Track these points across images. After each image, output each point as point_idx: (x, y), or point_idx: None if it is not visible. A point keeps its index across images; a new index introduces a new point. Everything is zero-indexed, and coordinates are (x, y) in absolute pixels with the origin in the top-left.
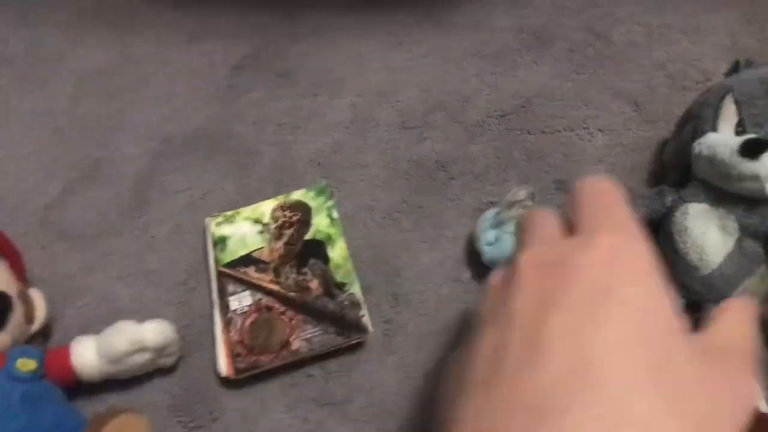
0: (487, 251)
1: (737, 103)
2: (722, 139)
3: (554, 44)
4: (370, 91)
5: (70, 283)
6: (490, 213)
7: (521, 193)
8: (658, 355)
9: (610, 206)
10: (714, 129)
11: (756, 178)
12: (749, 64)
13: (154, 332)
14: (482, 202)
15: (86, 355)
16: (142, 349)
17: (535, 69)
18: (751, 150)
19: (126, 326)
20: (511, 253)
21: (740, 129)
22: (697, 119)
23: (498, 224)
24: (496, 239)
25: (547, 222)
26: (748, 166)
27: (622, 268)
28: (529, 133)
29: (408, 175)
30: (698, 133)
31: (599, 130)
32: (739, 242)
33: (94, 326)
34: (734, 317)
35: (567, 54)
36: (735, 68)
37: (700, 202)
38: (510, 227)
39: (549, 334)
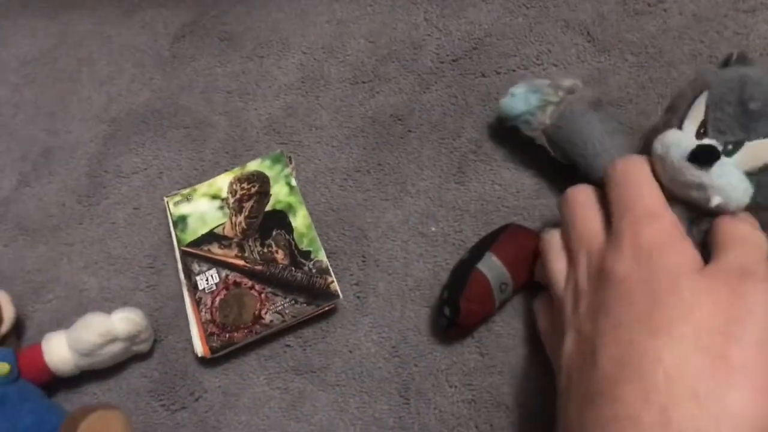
0: (506, 102)
1: (708, 104)
2: (679, 140)
3: None
4: (318, 47)
5: (36, 277)
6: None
7: (567, 82)
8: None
9: (637, 194)
10: (680, 126)
11: (701, 187)
12: (742, 59)
13: (123, 321)
14: (441, 153)
15: (58, 351)
16: (114, 340)
17: (484, 7)
18: (700, 158)
19: (94, 318)
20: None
21: (702, 131)
22: (671, 111)
23: (533, 89)
24: (516, 96)
25: (587, 215)
26: (696, 174)
27: (653, 267)
28: (483, 75)
29: (365, 132)
30: (667, 125)
31: (553, 65)
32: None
33: (66, 319)
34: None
35: None
36: (726, 62)
37: None
38: (541, 94)
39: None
